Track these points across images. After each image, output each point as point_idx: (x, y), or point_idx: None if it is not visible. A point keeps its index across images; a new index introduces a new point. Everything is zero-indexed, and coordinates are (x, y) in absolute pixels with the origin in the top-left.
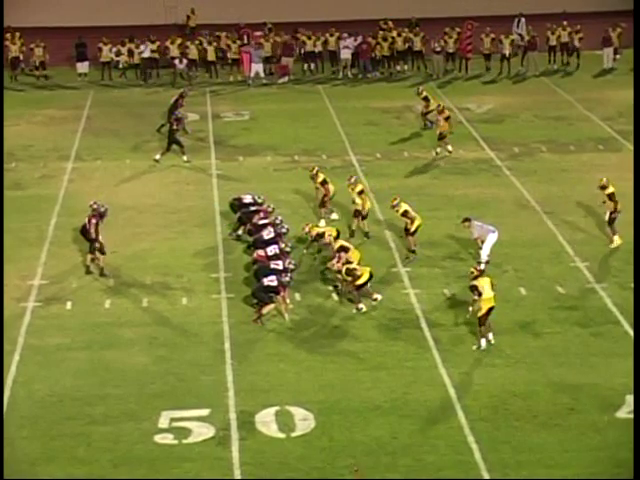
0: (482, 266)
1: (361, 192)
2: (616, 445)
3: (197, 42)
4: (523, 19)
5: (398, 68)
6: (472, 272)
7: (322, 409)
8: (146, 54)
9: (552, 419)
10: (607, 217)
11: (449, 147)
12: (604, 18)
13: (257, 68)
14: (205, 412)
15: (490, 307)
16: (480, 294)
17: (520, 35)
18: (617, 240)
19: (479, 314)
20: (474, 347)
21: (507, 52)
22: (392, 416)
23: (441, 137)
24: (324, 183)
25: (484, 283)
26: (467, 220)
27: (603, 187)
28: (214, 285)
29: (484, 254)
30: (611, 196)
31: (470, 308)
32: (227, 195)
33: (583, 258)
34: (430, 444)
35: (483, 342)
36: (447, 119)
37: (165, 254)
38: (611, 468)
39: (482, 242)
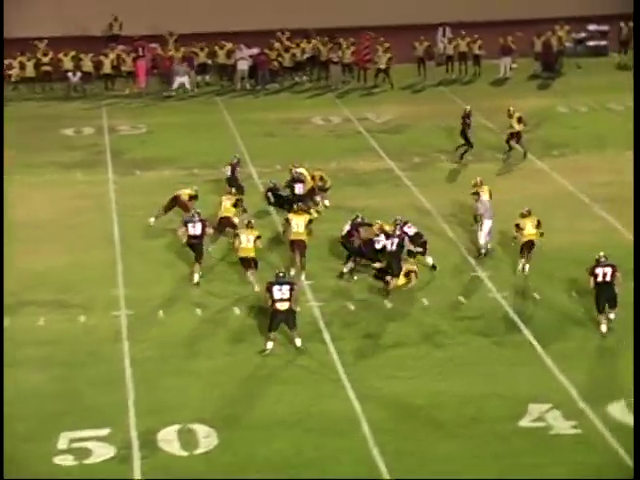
0: (483, 254)
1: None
2: (520, 453)
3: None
4: (448, 28)
5: (297, 79)
6: (521, 213)
7: (225, 425)
8: None
9: (457, 429)
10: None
11: (326, 202)
12: (500, 28)
13: (182, 80)
14: (105, 432)
15: (529, 240)
16: (522, 229)
17: (444, 44)
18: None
19: (520, 243)
20: (519, 268)
21: (383, 65)
22: (296, 430)
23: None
24: None
25: (527, 221)
26: (477, 193)
27: (475, 185)
28: (114, 302)
29: (484, 239)
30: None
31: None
32: (125, 210)
33: (484, 268)
34: (335, 457)
35: (521, 264)
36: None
37: (63, 270)
38: (516, 475)
39: (481, 223)
